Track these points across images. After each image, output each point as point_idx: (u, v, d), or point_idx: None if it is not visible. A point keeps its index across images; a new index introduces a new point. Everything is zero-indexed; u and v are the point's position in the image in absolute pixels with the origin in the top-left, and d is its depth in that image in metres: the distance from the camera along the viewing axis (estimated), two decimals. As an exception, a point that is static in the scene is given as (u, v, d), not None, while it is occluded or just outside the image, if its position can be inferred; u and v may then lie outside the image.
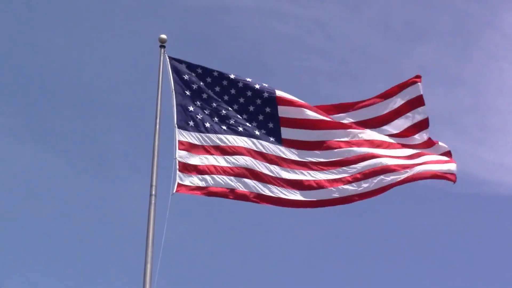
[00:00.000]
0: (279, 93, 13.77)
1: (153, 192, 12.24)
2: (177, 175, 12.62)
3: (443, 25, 34.98)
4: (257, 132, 13.56)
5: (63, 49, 32.95)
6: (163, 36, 13.94)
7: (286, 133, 13.61)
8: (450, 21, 35.04)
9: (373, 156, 13.53)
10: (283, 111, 13.69)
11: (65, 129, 31.84)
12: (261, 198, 12.97)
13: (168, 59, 13.71)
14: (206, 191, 12.77)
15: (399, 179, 13.49)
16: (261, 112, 13.74)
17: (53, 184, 30.44)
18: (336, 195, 13.25)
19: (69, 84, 32.58)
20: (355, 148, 13.60)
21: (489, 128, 33.10)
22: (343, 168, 13.43)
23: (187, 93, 13.55)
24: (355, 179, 13.34)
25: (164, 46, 13.89)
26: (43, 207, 29.50)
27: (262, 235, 30.24)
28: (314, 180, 13.26)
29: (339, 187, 13.28)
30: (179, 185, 12.55)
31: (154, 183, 12.32)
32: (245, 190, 12.89)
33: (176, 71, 13.63)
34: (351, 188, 13.33)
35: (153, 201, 12.16)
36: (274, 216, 30.26)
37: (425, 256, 30.58)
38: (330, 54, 34.15)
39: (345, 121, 13.90)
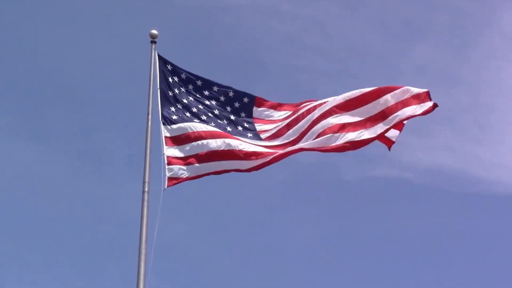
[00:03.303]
0: (256, 112, 13.97)
1: (146, 189, 12.20)
2: (166, 170, 12.67)
3: (441, 24, 34.97)
4: (239, 128, 13.73)
5: (61, 48, 32.98)
6: (154, 31, 13.67)
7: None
8: (448, 20, 35.02)
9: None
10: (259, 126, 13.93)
11: (60, 128, 31.83)
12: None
13: (157, 57, 13.59)
14: (191, 177, 12.89)
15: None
16: (240, 124, 13.85)
17: (49, 183, 30.42)
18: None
19: (64, 83, 32.56)
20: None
21: (488, 127, 33.06)
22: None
23: (170, 94, 13.58)
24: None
25: (155, 42, 13.67)
26: (39, 206, 29.48)
27: (258, 234, 30.24)
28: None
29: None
30: (169, 179, 12.63)
31: (147, 180, 12.28)
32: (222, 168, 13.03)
33: (162, 71, 13.60)
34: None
35: (146, 198, 12.11)
36: (272, 215, 30.28)
37: (423, 255, 30.55)
38: (328, 53, 34.12)
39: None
